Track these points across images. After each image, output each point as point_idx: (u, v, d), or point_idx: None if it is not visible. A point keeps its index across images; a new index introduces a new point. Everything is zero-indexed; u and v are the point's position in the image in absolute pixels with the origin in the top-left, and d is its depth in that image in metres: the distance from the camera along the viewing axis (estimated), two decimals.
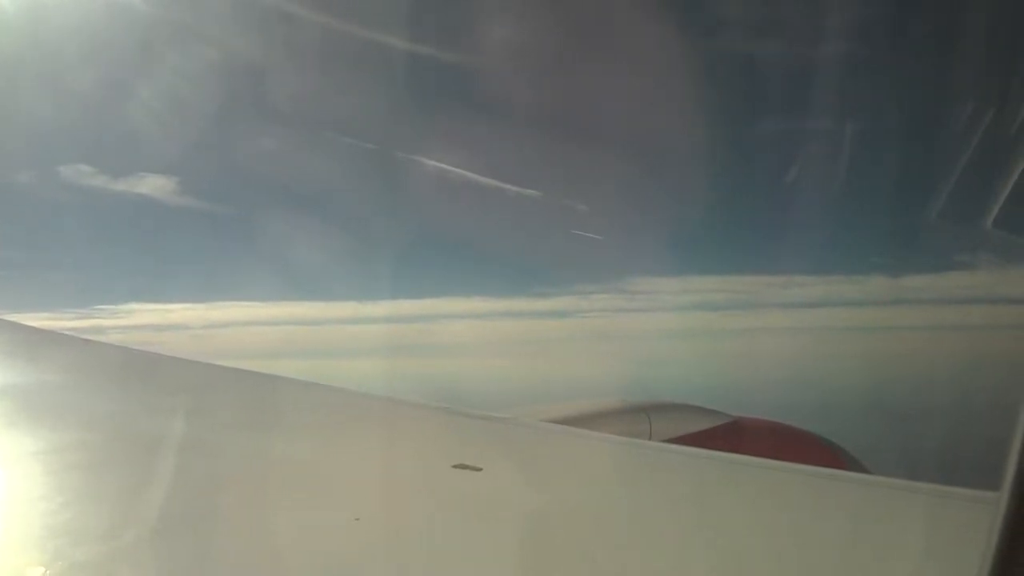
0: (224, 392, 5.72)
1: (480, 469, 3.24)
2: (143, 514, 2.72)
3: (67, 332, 8.40)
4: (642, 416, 6.21)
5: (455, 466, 3.27)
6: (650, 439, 5.73)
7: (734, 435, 6.32)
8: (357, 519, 2.64)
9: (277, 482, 3.19)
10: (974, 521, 1.52)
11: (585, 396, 7.09)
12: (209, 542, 2.52)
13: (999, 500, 1.19)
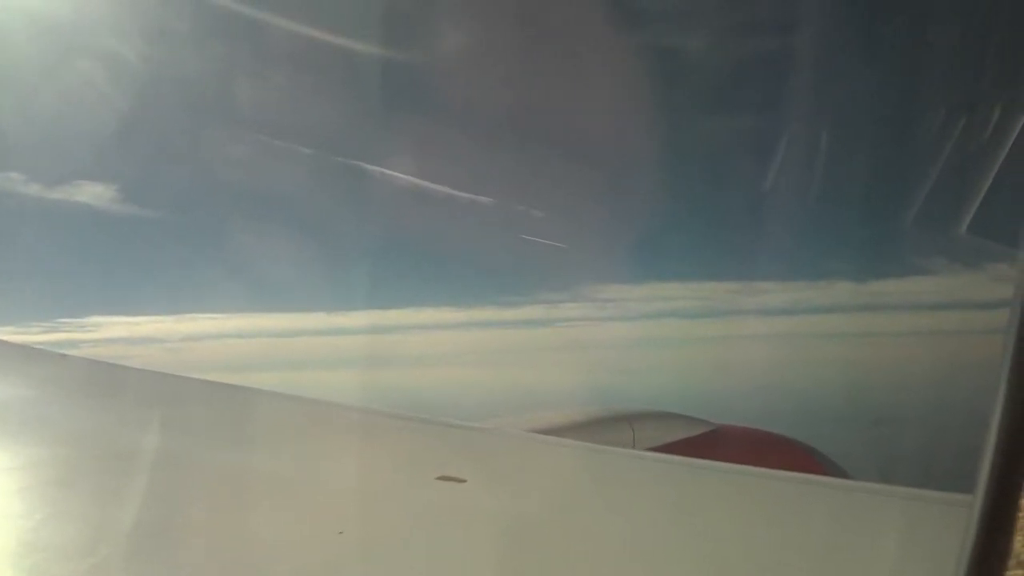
0: (199, 405, 5.65)
1: (464, 480, 3.24)
2: (120, 529, 2.68)
3: (36, 346, 8.25)
4: (625, 425, 6.23)
5: (439, 478, 3.26)
6: (633, 448, 5.76)
7: (717, 443, 6.38)
8: (341, 533, 2.62)
9: (257, 496, 3.15)
10: (950, 523, 1.55)
11: (563, 406, 7.08)
12: (189, 557, 2.49)
13: (973, 502, 1.22)
